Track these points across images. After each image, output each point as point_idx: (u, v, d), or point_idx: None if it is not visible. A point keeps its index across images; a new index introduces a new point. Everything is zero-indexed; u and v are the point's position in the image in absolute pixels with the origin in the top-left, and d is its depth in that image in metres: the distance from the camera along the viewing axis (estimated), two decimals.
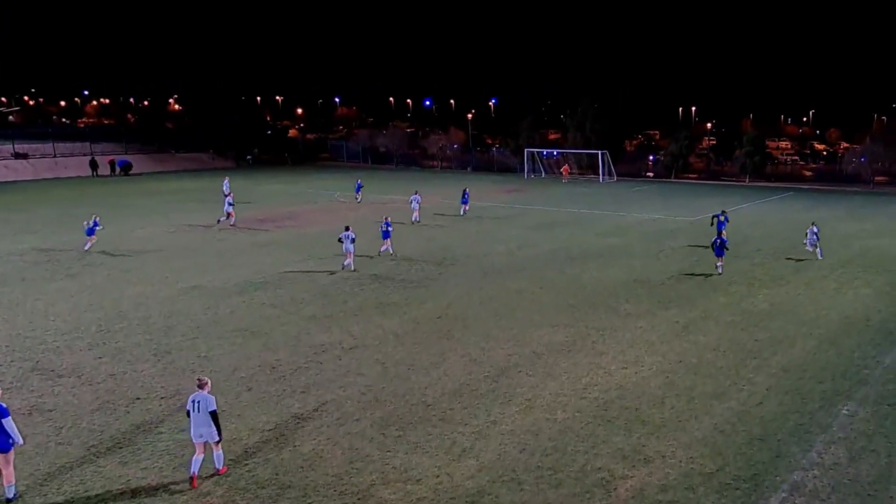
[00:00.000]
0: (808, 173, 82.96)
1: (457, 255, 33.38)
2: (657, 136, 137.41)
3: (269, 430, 15.46)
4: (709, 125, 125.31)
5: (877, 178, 71.86)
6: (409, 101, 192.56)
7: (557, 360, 19.46)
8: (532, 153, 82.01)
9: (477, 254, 33.84)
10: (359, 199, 53.63)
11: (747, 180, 75.99)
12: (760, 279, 29.04)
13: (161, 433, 15.31)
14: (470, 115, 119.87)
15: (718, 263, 30.39)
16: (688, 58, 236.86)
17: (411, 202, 44.54)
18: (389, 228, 33.38)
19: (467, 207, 47.53)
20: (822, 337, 21.58)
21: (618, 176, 77.57)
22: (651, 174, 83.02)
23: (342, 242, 30.02)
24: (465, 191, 49.18)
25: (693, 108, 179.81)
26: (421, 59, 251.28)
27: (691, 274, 29.87)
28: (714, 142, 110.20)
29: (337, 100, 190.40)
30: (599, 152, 77.39)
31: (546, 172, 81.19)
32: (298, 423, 15.80)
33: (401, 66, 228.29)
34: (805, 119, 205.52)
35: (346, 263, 29.96)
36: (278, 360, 19.41)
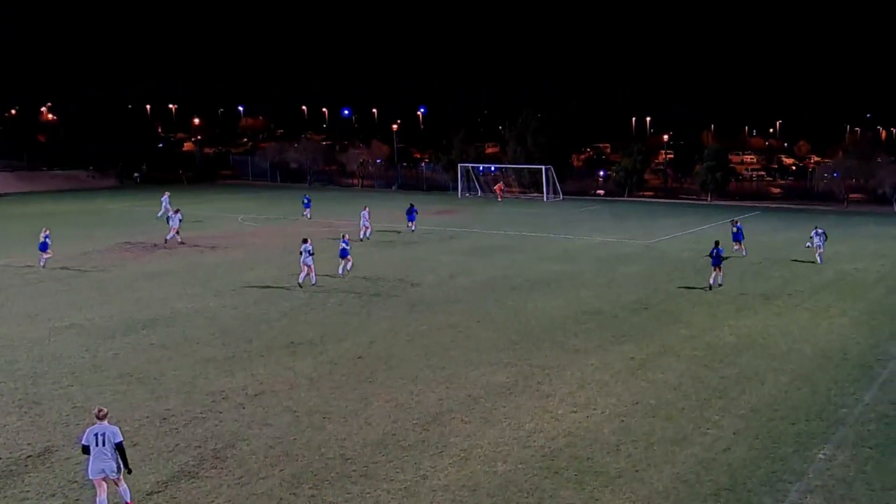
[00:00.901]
0: (776, 190, 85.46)
1: (381, 285, 33.37)
2: (608, 150, 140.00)
3: (159, 491, 15.06)
4: (665, 137, 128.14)
5: (851, 196, 74.40)
6: (324, 109, 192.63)
7: (497, 404, 19.45)
8: (466, 169, 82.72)
9: (404, 283, 33.89)
10: (308, 216, 57.28)
11: (709, 198, 77.86)
12: (725, 309, 29.64)
13: (27, 499, 14.75)
14: (395, 127, 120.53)
15: (714, 274, 33.40)
16: (642, 64, 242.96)
17: (362, 217, 47.72)
18: (347, 247, 35.71)
19: (413, 226, 50.88)
20: (795, 373, 22.07)
21: (564, 194, 78.69)
22: (601, 192, 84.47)
23: (301, 255, 32.72)
24: (412, 206, 51.84)
25: (648, 119, 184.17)
26: (337, 63, 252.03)
27: (648, 304, 30.34)
28: (671, 156, 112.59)
29: (241, 109, 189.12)
30: (543, 168, 78.45)
31: (482, 191, 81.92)
32: (193, 482, 15.42)
33: (314, 71, 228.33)
34: (772, 130, 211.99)
35: (301, 279, 32.62)
36: (169, 410, 18.97)
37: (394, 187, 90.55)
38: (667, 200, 79.12)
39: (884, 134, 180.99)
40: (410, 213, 51.26)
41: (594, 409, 19.18)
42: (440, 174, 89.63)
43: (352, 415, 18.78)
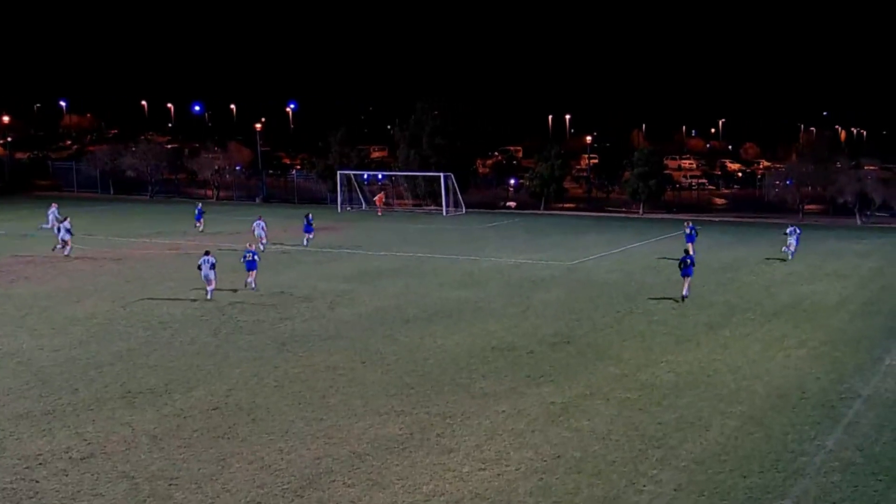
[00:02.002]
0: (720, 201, 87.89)
1: (242, 317, 33.07)
2: (520, 154, 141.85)
3: None
4: (588, 139, 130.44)
5: (806, 207, 76.91)
6: (169, 105, 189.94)
7: (388, 462, 19.33)
8: (348, 177, 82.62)
9: (271, 316, 33.62)
10: (200, 228, 61.13)
11: (641, 211, 79.48)
12: (663, 341, 30.16)
13: None
14: (258, 126, 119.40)
15: (685, 286, 36.52)
16: (559, 54, 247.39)
17: (254, 229, 52.24)
18: (256, 258, 39.00)
19: (311, 236, 53.97)
20: (746, 415, 22.52)
21: (468, 207, 79.34)
22: (513, 204, 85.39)
23: (200, 269, 36.39)
24: (308, 217, 54.59)
25: (567, 117, 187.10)
26: (186, 48, 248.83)
27: (571, 337, 30.66)
28: (596, 161, 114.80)
29: (63, 104, 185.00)
30: (441, 175, 78.89)
31: (368, 203, 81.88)
32: None
33: (157, 57, 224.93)
34: (713, 131, 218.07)
35: (210, 291, 36.58)
36: None
37: (257, 199, 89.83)
38: (591, 213, 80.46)
39: (843, 134, 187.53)
40: (307, 225, 53.86)
41: (506, 466, 19.20)
42: (315, 183, 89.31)
43: (206, 480, 18.39)
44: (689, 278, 37.26)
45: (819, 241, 58.33)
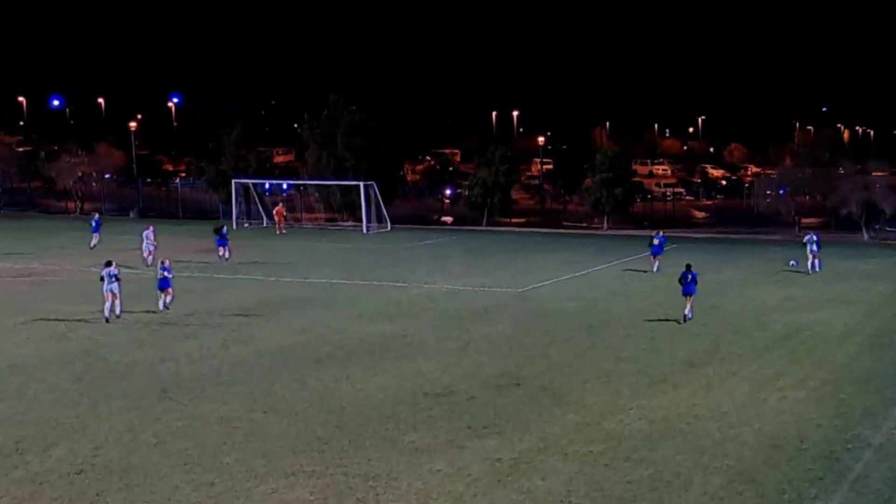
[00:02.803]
0: (701, 214, 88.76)
1: (114, 359, 32.80)
2: (457, 158, 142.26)
3: None
4: (541, 139, 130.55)
5: (804, 220, 77.70)
6: (21, 98, 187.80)
7: None
8: (245, 186, 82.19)
9: (150, 356, 33.39)
10: (93, 245, 61.89)
11: (605, 226, 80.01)
12: (633, 382, 30.27)
13: None
14: (133, 124, 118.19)
15: (689, 304, 38.87)
16: (505, 38, 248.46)
17: (144, 238, 55.48)
18: (169, 275, 41.53)
19: (227, 252, 57.11)
20: (733, 470, 22.66)
21: (394, 222, 79.36)
22: (449, 219, 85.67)
23: (103, 281, 39.11)
24: (221, 230, 58.06)
25: (515, 114, 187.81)
26: (42, 27, 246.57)
27: (521, 378, 30.70)
28: (550, 166, 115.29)
29: None
30: (361, 184, 78.76)
31: (269, 218, 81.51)
32: None
33: (5, 40, 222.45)
34: (692, 130, 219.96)
35: (107, 311, 39.10)
36: None
37: (132, 213, 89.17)
38: (545, 230, 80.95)
39: (847, 134, 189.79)
40: (221, 238, 56.79)
41: None
42: (205, 194, 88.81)
43: None
44: (692, 297, 39.00)
45: (819, 260, 58.91)
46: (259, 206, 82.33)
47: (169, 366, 32.22)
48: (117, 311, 39.59)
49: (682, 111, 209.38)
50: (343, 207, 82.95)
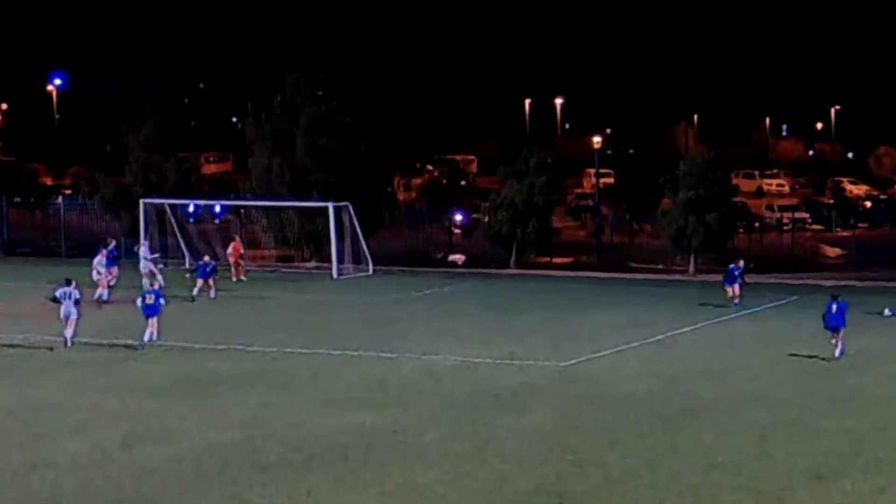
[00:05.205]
0: (834, 252, 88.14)
1: None
2: (473, 168, 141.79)
3: None
4: (596, 140, 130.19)
5: None
6: None
7: None
8: (157, 209, 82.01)
9: (14, 461, 33.14)
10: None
11: (692, 269, 79.61)
12: (733, 502, 30.09)
13: None
14: None
15: (835, 341, 41.48)
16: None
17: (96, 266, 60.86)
18: (161, 300, 47.79)
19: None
20: None
21: (378, 262, 79.36)
22: (461, 258, 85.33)
23: (59, 303, 45.45)
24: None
25: (557, 102, 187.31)
26: None
27: (563, 496, 30.55)
28: (610, 179, 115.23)
29: None
30: (331, 206, 78.66)
31: (197, 256, 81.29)
32: None
33: None
34: (820, 126, 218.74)
35: (67, 336, 46.46)
36: None
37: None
38: (601, 274, 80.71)
39: None
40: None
41: None
42: (100, 220, 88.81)
43: None
44: (841, 331, 41.43)
45: None
46: (179, 238, 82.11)
47: (44, 475, 32.03)
48: (68, 335, 47.20)
49: (806, 100, 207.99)
50: (303, 240, 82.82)
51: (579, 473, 32.57)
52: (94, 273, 59.71)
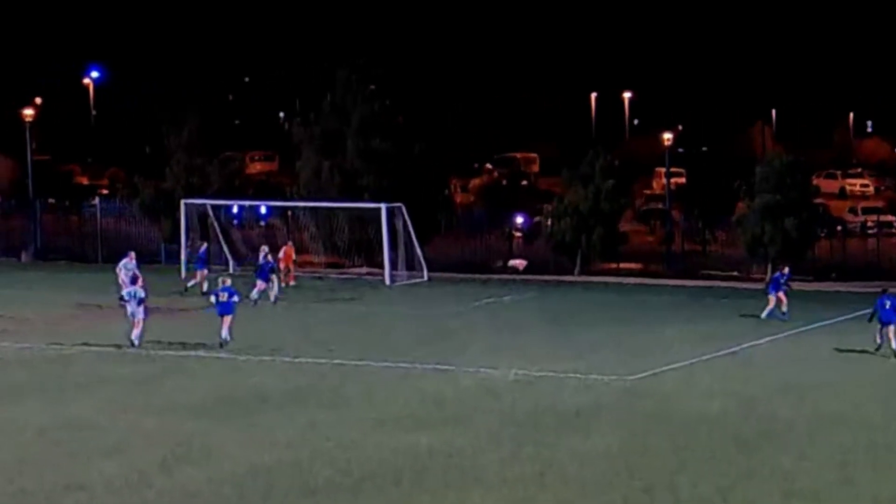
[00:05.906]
0: None
1: None
2: (534, 168, 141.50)
3: None
4: (667, 137, 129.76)
5: None
6: None
7: None
8: (199, 211, 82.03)
9: (46, 483, 33.11)
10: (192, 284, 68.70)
11: (768, 275, 79.10)
12: None
13: None
14: (30, 113, 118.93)
15: (882, 335, 42.84)
16: None
17: (119, 270, 62.89)
18: (235, 298, 50.42)
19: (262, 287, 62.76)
20: None
21: (434, 269, 79.39)
22: (521, 263, 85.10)
23: (125, 305, 48.24)
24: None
25: (626, 97, 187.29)
26: None
27: None
28: (682, 180, 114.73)
29: None
30: (383, 208, 78.61)
31: (239, 260, 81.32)
32: None
33: None
34: None
35: (133, 337, 49.57)
36: None
37: (24, 255, 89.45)
38: (672, 282, 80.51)
39: None
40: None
41: None
42: (139, 224, 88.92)
43: None
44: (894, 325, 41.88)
45: None
46: (222, 242, 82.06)
47: (77, 498, 32.07)
48: (136, 336, 50.06)
49: (892, 95, 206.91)
50: (354, 246, 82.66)
51: (647, 500, 32.41)
52: (122, 275, 60.81)
